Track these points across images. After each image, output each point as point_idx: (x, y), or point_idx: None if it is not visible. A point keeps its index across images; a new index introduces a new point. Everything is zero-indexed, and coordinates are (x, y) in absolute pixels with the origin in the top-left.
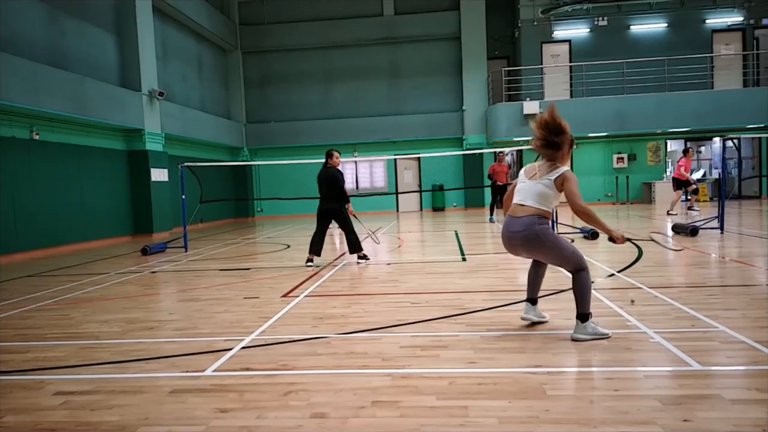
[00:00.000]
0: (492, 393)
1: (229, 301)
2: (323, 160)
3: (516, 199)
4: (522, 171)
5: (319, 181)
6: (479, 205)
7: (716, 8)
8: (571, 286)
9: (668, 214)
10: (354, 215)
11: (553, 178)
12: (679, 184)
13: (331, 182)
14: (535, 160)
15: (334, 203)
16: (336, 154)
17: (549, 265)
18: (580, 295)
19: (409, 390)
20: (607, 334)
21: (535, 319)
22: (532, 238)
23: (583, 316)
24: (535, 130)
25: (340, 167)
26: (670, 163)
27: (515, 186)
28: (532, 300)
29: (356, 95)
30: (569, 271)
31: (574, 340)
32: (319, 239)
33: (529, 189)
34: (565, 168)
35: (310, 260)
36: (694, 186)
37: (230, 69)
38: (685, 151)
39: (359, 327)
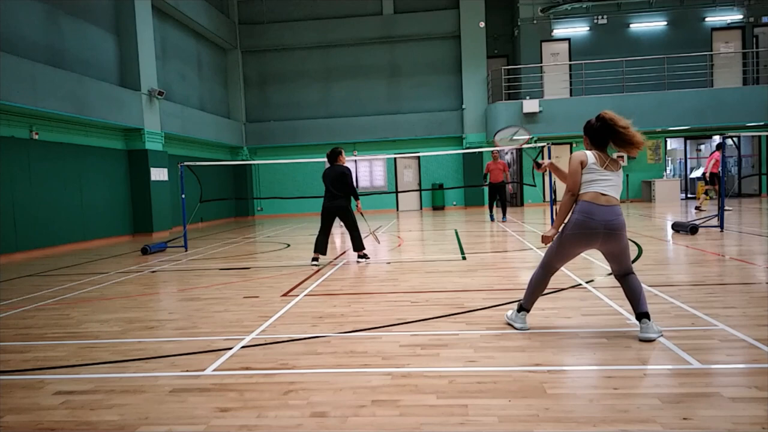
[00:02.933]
0: (492, 391)
1: (228, 300)
2: (323, 159)
3: (602, 189)
4: (592, 162)
5: (325, 178)
6: (479, 204)
7: (716, 6)
8: (623, 289)
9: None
10: (362, 213)
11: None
12: (712, 178)
13: (339, 179)
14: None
15: (341, 200)
16: (343, 151)
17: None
18: (641, 294)
19: (409, 389)
20: (661, 332)
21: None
22: (625, 230)
23: (648, 314)
24: (627, 126)
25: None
26: (669, 162)
27: (579, 173)
28: (528, 310)
29: (356, 94)
30: (623, 272)
31: (646, 340)
32: (324, 238)
33: (614, 180)
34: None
35: (315, 259)
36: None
37: (230, 68)
38: (720, 146)
39: (359, 326)
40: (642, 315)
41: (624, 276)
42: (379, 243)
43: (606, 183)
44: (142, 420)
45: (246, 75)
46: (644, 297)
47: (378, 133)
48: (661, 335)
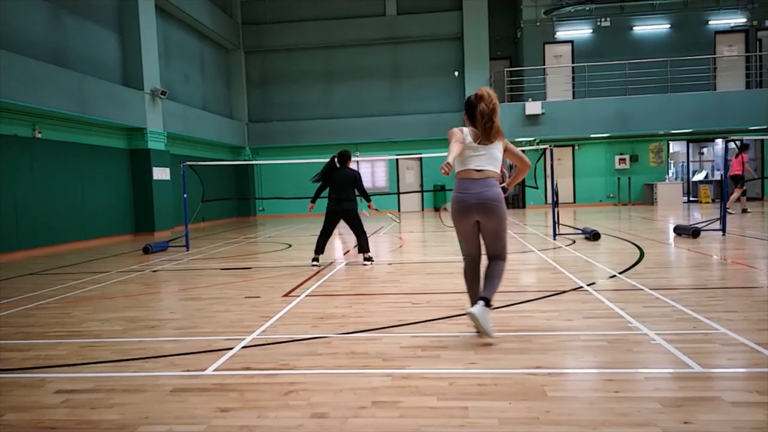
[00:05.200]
0: (492, 394)
1: (229, 300)
2: (324, 160)
3: (476, 166)
4: (468, 139)
5: (335, 182)
6: None
7: (719, 9)
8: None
9: (728, 212)
10: (377, 210)
11: (501, 144)
12: (736, 180)
13: (352, 183)
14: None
15: (349, 203)
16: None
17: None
18: (495, 281)
19: (410, 390)
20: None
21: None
22: (500, 202)
23: (488, 301)
24: (490, 103)
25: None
26: (672, 165)
27: (457, 137)
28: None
29: (358, 95)
30: (495, 255)
31: (467, 314)
32: (325, 240)
33: (489, 154)
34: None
35: (315, 260)
36: (744, 188)
37: (232, 68)
38: (744, 147)
39: (360, 327)
40: (482, 299)
41: (493, 258)
42: (398, 221)
43: (479, 160)
44: (143, 419)
45: (249, 75)
46: (495, 286)
47: (380, 133)
48: (492, 334)
